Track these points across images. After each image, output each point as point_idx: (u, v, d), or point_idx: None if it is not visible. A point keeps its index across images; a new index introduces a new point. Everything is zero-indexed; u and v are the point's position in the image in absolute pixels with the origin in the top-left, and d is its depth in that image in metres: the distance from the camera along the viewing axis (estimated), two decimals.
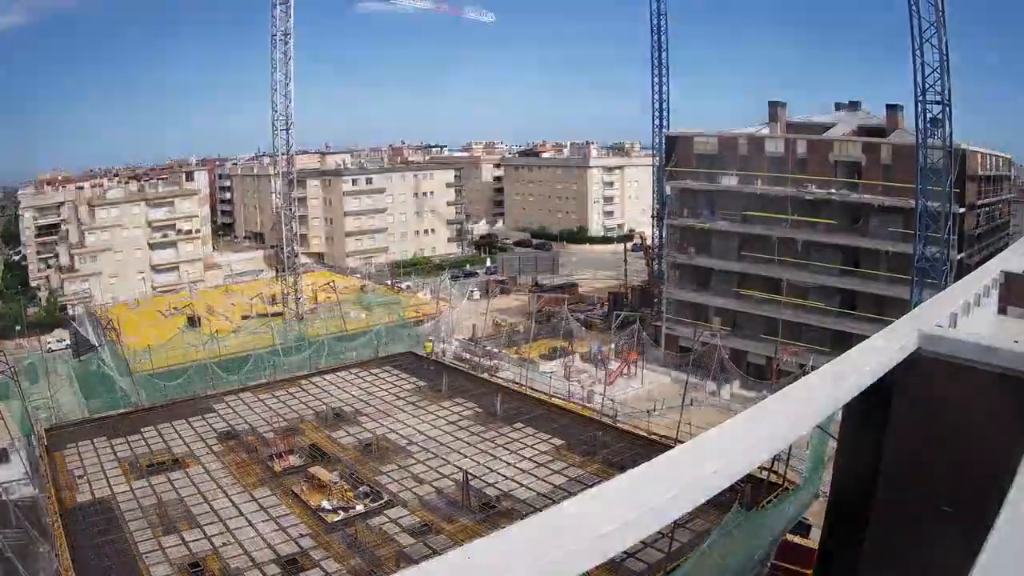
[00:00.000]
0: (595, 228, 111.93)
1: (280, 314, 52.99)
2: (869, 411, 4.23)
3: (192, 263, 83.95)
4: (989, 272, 6.07)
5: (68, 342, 57.80)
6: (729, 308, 51.15)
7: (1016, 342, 4.26)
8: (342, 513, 23.10)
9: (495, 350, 53.22)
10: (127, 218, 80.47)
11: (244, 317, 55.02)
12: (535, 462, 26.72)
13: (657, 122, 56.50)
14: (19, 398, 30.50)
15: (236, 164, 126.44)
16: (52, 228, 79.74)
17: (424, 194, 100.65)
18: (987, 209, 49.04)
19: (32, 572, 21.02)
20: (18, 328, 64.79)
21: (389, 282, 75.80)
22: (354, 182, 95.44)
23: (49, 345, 59.05)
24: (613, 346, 52.84)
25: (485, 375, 40.66)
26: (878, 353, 3.96)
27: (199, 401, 34.89)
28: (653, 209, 61.17)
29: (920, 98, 36.23)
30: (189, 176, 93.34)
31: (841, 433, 4.68)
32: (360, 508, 23.40)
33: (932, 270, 37.85)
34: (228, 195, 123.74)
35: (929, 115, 36.63)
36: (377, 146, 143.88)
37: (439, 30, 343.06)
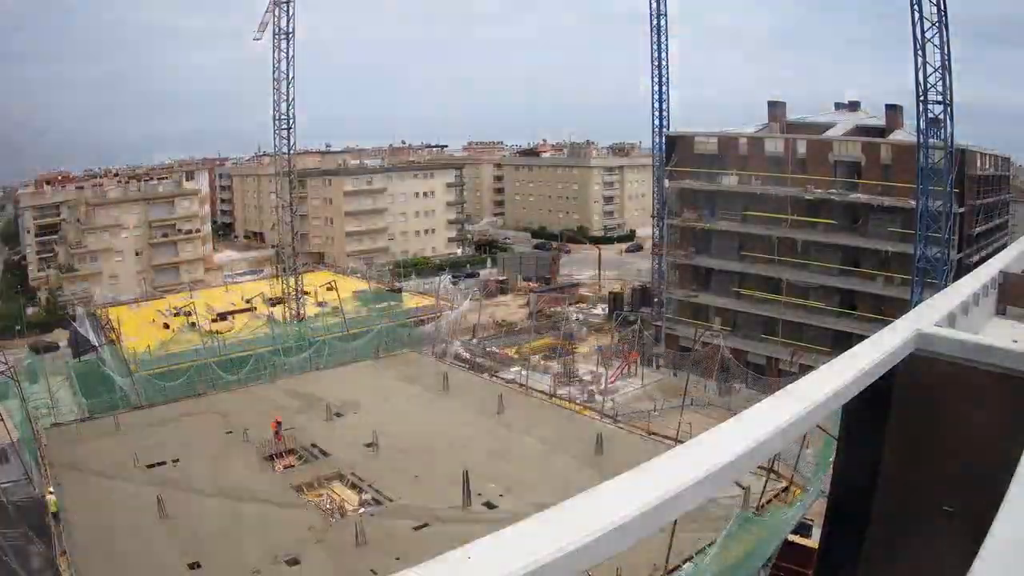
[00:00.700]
0: (596, 228, 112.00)
1: (280, 301, 52.88)
2: (869, 411, 4.23)
3: (192, 263, 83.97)
4: (988, 272, 6.07)
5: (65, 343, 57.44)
6: (729, 308, 51.20)
7: (1015, 342, 4.26)
8: (342, 513, 23.12)
9: (495, 350, 53.23)
10: (127, 218, 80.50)
11: (240, 311, 55.05)
12: (535, 462, 26.74)
13: (657, 122, 56.49)
14: (19, 398, 30.53)
15: (236, 164, 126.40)
16: (52, 228, 79.78)
17: (424, 194, 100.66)
18: (986, 209, 49.07)
19: (31, 572, 21.01)
20: (18, 328, 64.72)
21: (389, 282, 75.71)
22: (354, 182, 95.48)
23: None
24: (612, 345, 52.88)
25: (485, 375, 40.69)
26: (877, 353, 3.96)
27: (199, 401, 34.91)
28: (653, 209, 61.15)
29: (921, 98, 36.24)
30: (189, 176, 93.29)
31: (840, 433, 4.69)
32: (360, 508, 23.41)
33: (933, 270, 37.87)
34: (228, 195, 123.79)
35: (930, 115, 36.65)
36: (379, 145, 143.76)
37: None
